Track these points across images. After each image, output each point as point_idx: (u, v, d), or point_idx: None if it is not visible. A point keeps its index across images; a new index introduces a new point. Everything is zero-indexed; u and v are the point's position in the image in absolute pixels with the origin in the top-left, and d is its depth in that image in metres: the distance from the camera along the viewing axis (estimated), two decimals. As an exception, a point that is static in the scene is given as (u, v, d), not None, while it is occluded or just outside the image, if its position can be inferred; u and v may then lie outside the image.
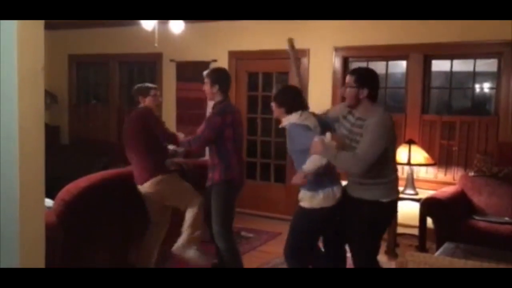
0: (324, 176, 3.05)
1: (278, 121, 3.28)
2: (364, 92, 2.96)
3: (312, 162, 2.97)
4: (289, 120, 3.14)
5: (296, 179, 3.07)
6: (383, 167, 2.97)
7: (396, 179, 3.12)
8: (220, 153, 3.58)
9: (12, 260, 2.32)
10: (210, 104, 4.01)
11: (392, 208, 3.17)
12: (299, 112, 3.14)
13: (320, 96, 5.43)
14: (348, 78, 3.04)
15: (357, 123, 3.03)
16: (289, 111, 3.15)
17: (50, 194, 3.09)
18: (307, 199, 3.09)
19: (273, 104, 3.24)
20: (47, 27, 2.44)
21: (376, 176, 2.98)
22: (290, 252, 3.18)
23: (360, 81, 2.98)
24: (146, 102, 3.84)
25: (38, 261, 2.42)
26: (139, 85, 4.00)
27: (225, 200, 3.61)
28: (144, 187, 3.60)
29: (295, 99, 3.21)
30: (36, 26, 2.37)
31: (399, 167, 5.13)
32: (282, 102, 3.19)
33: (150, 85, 4.01)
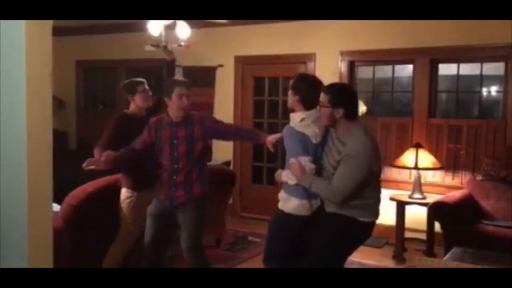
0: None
1: (284, 125, 3.13)
2: (340, 112, 2.72)
3: (284, 176, 2.91)
4: (292, 119, 2.96)
5: (279, 176, 2.98)
6: (363, 189, 2.74)
7: (377, 201, 2.87)
8: (201, 164, 3.32)
9: (21, 262, 2.34)
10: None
11: (367, 230, 2.87)
12: (301, 115, 2.90)
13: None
14: (322, 96, 2.79)
15: (336, 143, 2.81)
16: (303, 101, 2.92)
17: (57, 198, 3.10)
18: (282, 201, 2.98)
19: (290, 92, 3.00)
20: (54, 33, 2.46)
21: (355, 197, 2.73)
22: (267, 255, 3.01)
23: (334, 100, 2.73)
24: (136, 101, 3.48)
25: (45, 263, 2.44)
26: (124, 82, 3.59)
27: (204, 214, 3.34)
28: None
29: (312, 90, 2.93)
30: (44, 32, 2.39)
31: (407, 171, 5.15)
32: (298, 89, 2.95)
33: (137, 79, 3.54)
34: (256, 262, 4.57)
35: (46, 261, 2.47)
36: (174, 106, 3.19)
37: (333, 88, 2.84)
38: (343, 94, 2.81)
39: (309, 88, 2.94)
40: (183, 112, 3.21)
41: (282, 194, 3.00)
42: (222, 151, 5.97)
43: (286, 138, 3.00)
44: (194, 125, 3.25)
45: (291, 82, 3.04)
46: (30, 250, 2.38)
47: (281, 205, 3.00)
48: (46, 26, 2.40)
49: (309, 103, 2.91)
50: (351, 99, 2.83)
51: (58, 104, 7.04)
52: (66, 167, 5.66)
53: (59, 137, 6.77)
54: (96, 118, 7.49)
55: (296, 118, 2.92)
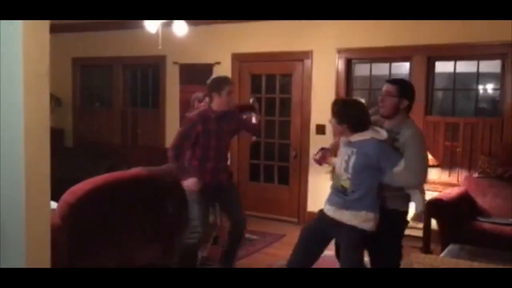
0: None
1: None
2: (404, 103, 2.91)
3: (422, 200, 2.92)
4: (382, 134, 2.84)
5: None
6: None
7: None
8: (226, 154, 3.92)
9: (18, 261, 2.33)
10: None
11: (406, 219, 3.09)
12: (384, 131, 2.84)
13: (323, 98, 5.44)
14: (389, 86, 2.93)
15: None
16: (352, 128, 2.84)
17: (54, 196, 3.10)
18: (357, 218, 2.86)
19: (332, 121, 2.92)
20: (50, 30, 2.45)
21: (398, 187, 2.92)
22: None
23: (403, 92, 2.91)
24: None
25: (43, 262, 2.43)
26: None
27: None
28: None
29: (361, 114, 2.88)
30: (42, 30, 2.38)
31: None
32: (343, 118, 2.85)
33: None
34: (253, 260, 4.58)
35: (43, 259, 2.47)
36: (223, 101, 3.59)
37: (403, 81, 3.06)
38: (411, 88, 3.01)
39: (355, 114, 2.88)
40: (228, 107, 3.65)
41: (364, 214, 2.85)
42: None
43: (385, 151, 2.84)
44: (234, 119, 3.77)
45: (331, 109, 2.94)
46: (28, 249, 2.37)
47: (352, 221, 2.86)
48: (43, 25, 2.39)
49: (360, 127, 2.86)
50: (414, 94, 3.01)
51: (55, 101, 7.03)
52: (63, 164, 5.66)
53: (55, 135, 6.76)
54: (93, 116, 7.49)
55: (381, 131, 2.86)
